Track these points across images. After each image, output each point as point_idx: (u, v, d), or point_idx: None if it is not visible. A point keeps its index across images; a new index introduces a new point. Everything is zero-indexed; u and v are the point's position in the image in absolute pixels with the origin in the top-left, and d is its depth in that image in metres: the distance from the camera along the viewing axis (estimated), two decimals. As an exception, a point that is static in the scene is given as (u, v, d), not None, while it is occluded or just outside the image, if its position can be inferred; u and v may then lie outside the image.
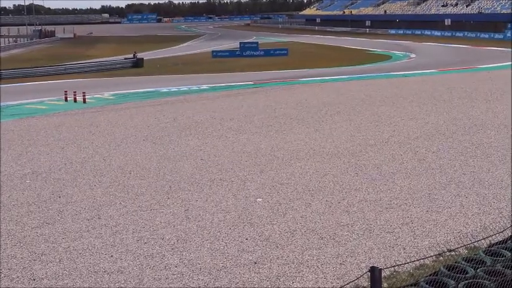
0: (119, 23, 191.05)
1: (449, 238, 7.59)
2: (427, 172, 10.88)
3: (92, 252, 7.44)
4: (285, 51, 52.23)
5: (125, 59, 43.92)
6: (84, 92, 22.08)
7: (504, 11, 70.20)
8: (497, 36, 66.25)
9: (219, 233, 8.01)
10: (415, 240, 7.60)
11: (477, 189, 9.71)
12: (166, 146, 13.68)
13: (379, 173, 10.86)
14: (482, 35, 68.96)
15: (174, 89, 26.09)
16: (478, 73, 29.17)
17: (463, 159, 11.81)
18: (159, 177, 10.92)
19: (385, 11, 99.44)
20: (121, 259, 7.21)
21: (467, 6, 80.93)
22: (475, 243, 6.89)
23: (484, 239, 6.59)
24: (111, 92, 24.88)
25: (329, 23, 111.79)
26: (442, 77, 28.12)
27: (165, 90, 25.75)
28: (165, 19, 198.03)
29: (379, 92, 22.56)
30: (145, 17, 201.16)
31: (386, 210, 8.82)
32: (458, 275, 5.51)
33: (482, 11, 74.83)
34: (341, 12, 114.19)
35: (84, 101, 21.61)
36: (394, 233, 7.88)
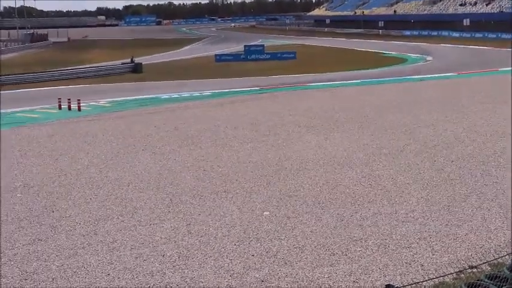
0: (116, 25, 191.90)
1: (470, 254, 7.55)
2: (445, 183, 10.84)
3: (87, 271, 7.43)
4: (293, 55, 52.26)
5: (122, 64, 44.03)
6: (79, 100, 22.15)
7: (527, 10, 70.08)
8: (520, 36, 66.15)
9: (223, 249, 7.99)
10: (434, 256, 7.56)
11: (500, 201, 9.67)
12: (166, 157, 13.70)
13: (394, 184, 10.83)
14: (504, 36, 68.76)
15: (175, 95, 26.15)
16: (499, 76, 29.11)
17: (484, 168, 11.77)
18: (159, 190, 10.92)
19: (395, 11, 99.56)
20: (119, 278, 7.21)
21: (487, 5, 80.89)
22: (498, 260, 6.84)
23: (508, 255, 6.56)
24: (108, 99, 24.95)
25: (339, 24, 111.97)
26: (461, 81, 28.09)
27: (165, 96, 25.80)
28: (165, 21, 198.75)
29: (394, 97, 22.55)
30: (143, 19, 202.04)
31: (402, 223, 8.79)
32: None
33: (504, 10, 74.72)
34: (352, 13, 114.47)
35: (79, 109, 21.67)
36: (411, 248, 7.85)
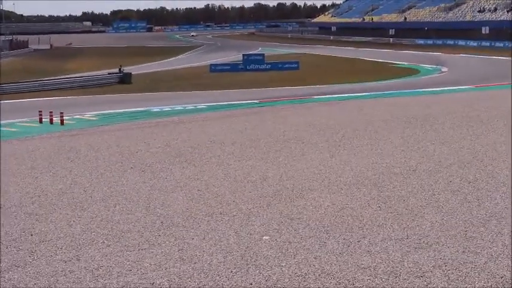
0: (103, 32, 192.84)
1: (490, 284, 7.53)
2: (462, 206, 10.83)
3: (69, 300, 7.40)
4: (296, 65, 52.55)
5: (110, 74, 44.20)
6: (61, 112, 22.22)
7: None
8: (543, 46, 66.40)
9: (218, 277, 7.98)
10: (450, 286, 7.55)
11: (522, 226, 9.65)
12: (157, 175, 13.70)
13: (405, 207, 10.83)
14: (527, 46, 69.04)
15: (166, 108, 26.23)
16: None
17: (505, 190, 11.77)
18: (149, 212, 10.91)
19: (406, 18, 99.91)
20: (103, 308, 7.17)
21: (508, 12, 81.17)
22: (520, 290, 6.84)
23: (530, 284, 6.55)
24: (94, 112, 25.03)
25: (346, 31, 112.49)
26: (479, 94, 28.20)
27: (156, 110, 25.89)
28: (157, 27, 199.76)
29: (406, 111, 22.61)
30: (133, 25, 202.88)
31: (414, 250, 8.78)
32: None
33: (526, 17, 75.02)
34: (360, 20, 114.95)
35: (62, 123, 21.73)
36: (425, 277, 7.83)
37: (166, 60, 69.52)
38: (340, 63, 59.23)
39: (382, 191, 11.95)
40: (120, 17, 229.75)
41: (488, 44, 75.75)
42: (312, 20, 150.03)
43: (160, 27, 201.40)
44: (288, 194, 11.96)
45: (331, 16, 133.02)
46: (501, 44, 73.26)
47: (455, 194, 11.60)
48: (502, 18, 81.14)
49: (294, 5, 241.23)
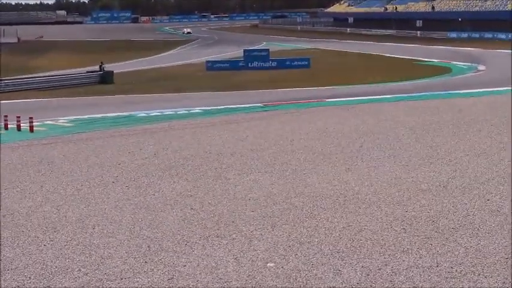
0: (80, 23, 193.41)
1: (533, 320, 7.53)
2: (502, 228, 10.83)
3: (40, 337, 7.41)
4: (306, 62, 52.66)
5: (89, 72, 44.31)
6: (31, 117, 22.24)
7: None
8: None
9: (215, 311, 7.98)
10: (486, 322, 7.54)
11: None
12: (143, 191, 13.72)
13: (435, 229, 10.83)
14: None
15: (155, 113, 26.28)
16: None
17: (551, 210, 11.76)
18: (134, 234, 10.92)
19: (433, 7, 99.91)
20: None
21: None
22: None
23: None
24: (69, 117, 25.08)
25: (366, 23, 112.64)
26: (521, 97, 28.18)
27: (142, 114, 25.94)
28: (143, 18, 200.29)
29: (435, 117, 22.63)
30: (116, 15, 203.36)
31: (446, 280, 8.79)
32: None
33: None
34: (382, 9, 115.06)
35: (32, 130, 21.76)
36: (457, 312, 7.83)
37: (154, 57, 69.76)
38: (358, 60, 59.36)
39: (407, 211, 11.95)
40: (100, 6, 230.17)
41: (533, 37, 75.69)
42: (326, 10, 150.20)
43: (147, 17, 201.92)
44: (297, 213, 11.97)
45: (348, 5, 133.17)
46: (549, 38, 73.20)
47: (494, 215, 11.59)
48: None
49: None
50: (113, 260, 9.81)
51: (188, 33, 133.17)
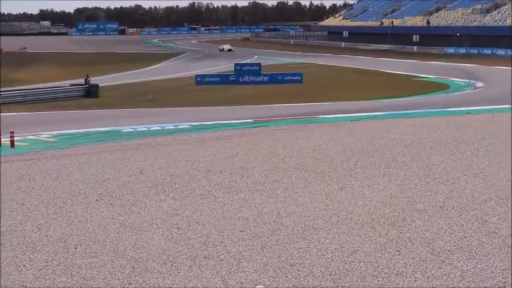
0: (65, 34, 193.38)
1: None
2: (500, 251, 10.85)
3: None
4: (299, 77, 52.77)
5: (73, 85, 44.25)
6: (12, 132, 22.19)
7: None
8: None
9: (201, 335, 7.96)
10: None
11: None
12: (128, 210, 13.69)
13: (431, 251, 10.84)
14: None
15: (141, 128, 26.24)
16: None
17: (551, 232, 11.80)
18: (118, 254, 10.89)
19: (429, 22, 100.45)
20: None
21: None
22: None
23: None
24: (52, 132, 25.01)
25: (361, 37, 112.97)
26: (520, 116, 28.28)
27: (128, 129, 25.89)
28: (131, 30, 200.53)
29: (432, 135, 22.68)
30: (102, 26, 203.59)
31: (441, 304, 8.78)
32: None
33: None
34: (378, 23, 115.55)
35: (13, 145, 21.70)
36: (453, 338, 7.83)
37: (142, 70, 69.70)
38: (353, 75, 59.45)
39: (402, 232, 11.97)
40: (86, 17, 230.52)
41: (533, 54, 76.06)
42: (320, 23, 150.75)
43: (134, 29, 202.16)
44: (288, 234, 11.96)
45: (343, 18, 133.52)
46: (549, 54, 73.59)
47: (491, 237, 11.62)
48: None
49: (297, 5, 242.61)
50: (96, 281, 9.77)
51: (229, 50, 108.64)
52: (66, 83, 46.85)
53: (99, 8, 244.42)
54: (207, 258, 10.67)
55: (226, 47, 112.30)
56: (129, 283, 9.64)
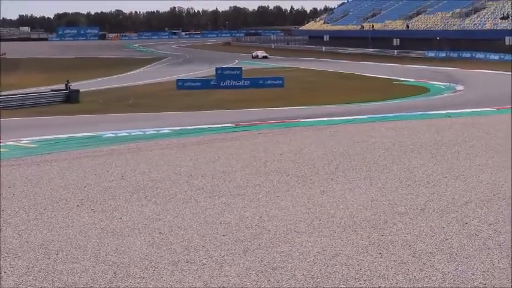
0: (45, 39, 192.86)
1: None
2: (481, 253, 10.89)
3: None
4: (280, 81, 53.00)
5: (53, 91, 44.15)
6: (-8, 138, 22.10)
7: None
8: None
9: None
10: None
11: (554, 278, 9.73)
12: (110, 215, 13.65)
13: (412, 254, 10.88)
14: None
15: (122, 133, 26.19)
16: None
17: (531, 234, 11.86)
18: (99, 260, 10.86)
19: (408, 26, 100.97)
20: None
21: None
22: None
23: None
24: (32, 138, 24.90)
25: (342, 41, 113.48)
26: (501, 119, 28.48)
27: (110, 135, 25.84)
28: (111, 35, 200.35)
29: (413, 138, 22.77)
30: (82, 31, 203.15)
31: (423, 306, 8.82)
32: None
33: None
34: (358, 27, 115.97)
35: (-7, 151, 21.59)
36: None
37: (123, 75, 69.62)
38: (334, 79, 59.67)
39: (384, 235, 11.99)
40: (66, 22, 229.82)
41: (512, 57, 76.60)
42: (301, 28, 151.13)
43: (115, 34, 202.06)
44: (270, 237, 11.96)
45: (324, 23, 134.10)
46: (528, 58, 74.17)
47: (472, 239, 11.66)
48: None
49: (278, 9, 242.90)
50: (77, 287, 9.73)
51: (264, 57, 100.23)
52: (47, 88, 46.72)
53: (79, 13, 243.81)
54: (189, 262, 10.65)
55: (260, 53, 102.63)
56: (111, 288, 9.61)
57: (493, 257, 10.71)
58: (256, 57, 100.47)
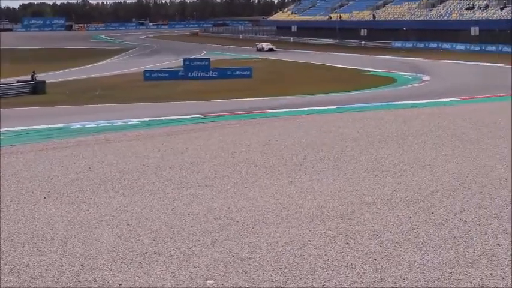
0: (10, 30, 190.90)
1: (478, 335, 7.64)
2: (446, 242, 10.98)
3: None
4: (248, 72, 53.02)
5: (19, 82, 43.76)
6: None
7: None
8: (546, 51, 67.92)
9: (151, 332, 7.93)
10: (431, 338, 7.64)
11: (517, 266, 9.82)
12: (77, 207, 13.57)
13: (379, 243, 10.94)
14: (525, 50, 70.54)
15: (90, 124, 26.03)
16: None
17: (497, 223, 11.96)
18: (66, 252, 10.79)
19: (374, 17, 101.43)
20: None
21: (501, 10, 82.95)
22: None
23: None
24: (-2, 130, 24.65)
25: (309, 32, 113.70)
26: (466, 108, 28.74)
27: (77, 126, 25.67)
28: (78, 25, 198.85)
29: (380, 128, 22.88)
30: (48, 22, 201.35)
31: (390, 295, 8.87)
32: None
33: (524, 15, 76.58)
34: (326, 18, 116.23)
35: (-43, 143, 21.36)
36: (401, 328, 7.91)
37: (89, 66, 69.18)
38: (302, 70, 59.76)
39: (351, 225, 12.04)
40: (32, 12, 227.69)
41: (478, 48, 77.31)
42: (268, 18, 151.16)
43: (82, 25, 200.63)
44: (238, 228, 11.96)
45: (292, 13, 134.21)
46: (493, 48, 74.92)
47: (439, 228, 11.75)
48: (494, 17, 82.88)
49: (246, 0, 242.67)
50: (44, 279, 9.67)
51: (270, 49, 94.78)
52: (12, 79, 46.30)
53: (45, 4, 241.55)
54: (157, 254, 10.63)
55: (266, 45, 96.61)
56: (78, 281, 9.56)
57: (458, 246, 10.80)
58: (262, 49, 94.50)
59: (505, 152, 18.34)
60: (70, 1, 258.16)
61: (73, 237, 11.60)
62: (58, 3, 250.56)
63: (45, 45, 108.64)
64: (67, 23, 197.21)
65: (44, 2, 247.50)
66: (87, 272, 9.92)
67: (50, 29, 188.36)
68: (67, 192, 14.81)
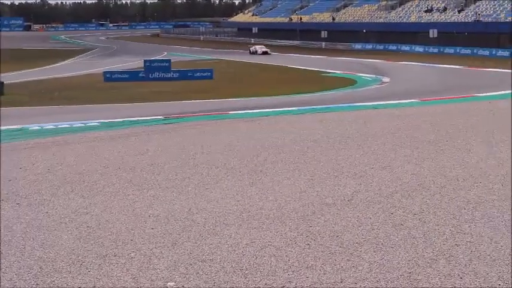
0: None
1: (437, 334, 7.71)
2: (406, 242, 11.07)
3: None
4: (209, 73, 52.93)
5: (-24, 83, 43.21)
6: None
7: (510, 18, 72.93)
8: (500, 53, 69.03)
9: (111, 335, 7.89)
10: (390, 337, 7.69)
11: (475, 267, 9.92)
12: (35, 209, 13.45)
13: (339, 244, 10.99)
14: (481, 52, 71.65)
15: (48, 126, 25.80)
16: (475, 104, 30.23)
17: (455, 224, 12.09)
18: (25, 255, 10.69)
19: (334, 18, 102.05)
20: None
21: (459, 12, 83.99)
22: None
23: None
24: (-45, 131, 24.33)
25: (270, 33, 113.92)
26: (425, 110, 29.00)
27: (35, 127, 25.44)
28: (36, 26, 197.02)
29: (340, 129, 23.01)
30: (6, 22, 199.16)
31: (350, 296, 8.91)
32: None
33: (481, 18, 77.69)
34: (287, 20, 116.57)
35: None
36: (361, 328, 7.95)
37: (49, 67, 68.55)
38: (263, 71, 59.85)
39: (312, 226, 12.08)
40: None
41: (436, 50, 78.14)
42: (229, 20, 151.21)
43: (41, 25, 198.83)
44: (199, 230, 11.94)
45: (252, 15, 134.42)
46: (451, 50, 75.79)
47: (398, 229, 11.84)
48: (453, 19, 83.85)
49: (207, 1, 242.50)
50: (1, 283, 9.57)
51: (264, 52, 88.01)
52: (-31, 80, 45.71)
53: (2, 3, 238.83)
54: (117, 256, 10.57)
55: (260, 49, 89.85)
56: (37, 284, 9.48)
57: (417, 246, 10.90)
58: (255, 53, 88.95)
59: (463, 153, 18.55)
60: (29, 1, 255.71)
61: (32, 239, 11.49)
62: (16, 3, 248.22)
63: (3, 46, 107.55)
64: (26, 24, 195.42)
65: (1, 1, 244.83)
66: (45, 274, 9.83)
67: (8, 29, 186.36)
68: (26, 194, 14.66)
